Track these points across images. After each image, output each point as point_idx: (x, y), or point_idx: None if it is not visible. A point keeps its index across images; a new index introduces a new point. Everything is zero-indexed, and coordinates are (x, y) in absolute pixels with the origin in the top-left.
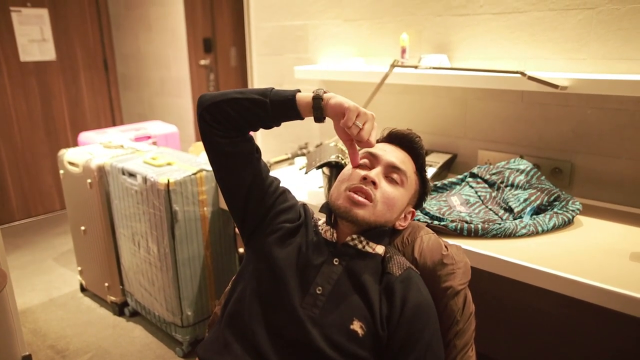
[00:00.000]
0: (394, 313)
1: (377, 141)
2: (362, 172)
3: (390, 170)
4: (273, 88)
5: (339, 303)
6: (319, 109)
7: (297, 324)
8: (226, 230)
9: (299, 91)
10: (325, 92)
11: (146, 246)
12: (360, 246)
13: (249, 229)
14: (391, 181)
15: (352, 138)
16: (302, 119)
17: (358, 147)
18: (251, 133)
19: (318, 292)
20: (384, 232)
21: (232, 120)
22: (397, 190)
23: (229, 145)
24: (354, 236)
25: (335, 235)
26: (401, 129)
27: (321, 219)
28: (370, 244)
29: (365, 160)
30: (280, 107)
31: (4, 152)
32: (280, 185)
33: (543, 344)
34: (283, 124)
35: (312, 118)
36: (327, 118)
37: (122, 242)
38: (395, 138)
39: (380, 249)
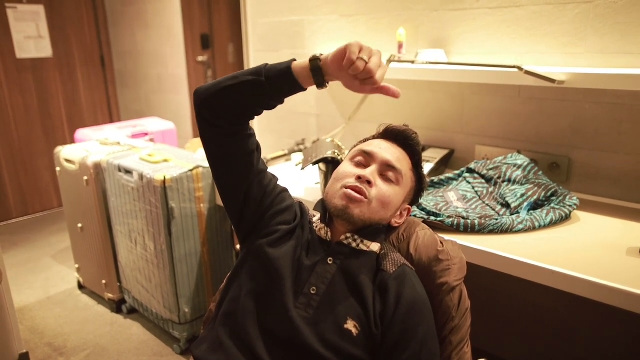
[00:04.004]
0: (388, 310)
1: (373, 137)
2: (357, 171)
3: (386, 169)
4: (267, 64)
5: (333, 303)
6: (317, 70)
7: (290, 325)
8: (223, 227)
9: (294, 60)
10: (322, 54)
11: (143, 243)
12: (354, 245)
13: (246, 228)
14: (386, 180)
15: (359, 77)
16: (304, 89)
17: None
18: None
19: (312, 292)
20: (379, 230)
21: (232, 111)
22: (393, 188)
23: (229, 144)
24: (348, 235)
25: (329, 234)
26: (397, 125)
27: (316, 215)
28: (365, 242)
29: (360, 158)
30: (278, 83)
31: (0, 149)
32: (278, 183)
33: (540, 340)
34: (280, 120)
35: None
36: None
37: (119, 239)
38: (391, 134)
39: (375, 247)
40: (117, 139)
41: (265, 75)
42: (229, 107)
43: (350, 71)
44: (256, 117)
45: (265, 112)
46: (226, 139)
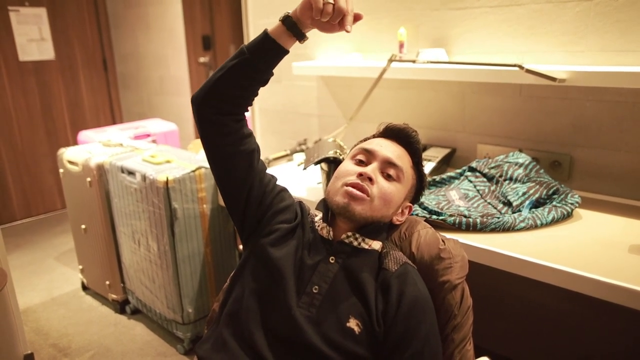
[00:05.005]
0: (390, 308)
1: (373, 136)
2: (358, 169)
3: (387, 166)
4: (243, 45)
5: (336, 301)
6: (293, 25)
7: (293, 324)
8: (226, 227)
9: (266, 29)
10: (289, 12)
11: (146, 244)
12: (355, 243)
13: (248, 229)
14: (387, 177)
15: (332, 21)
16: (287, 51)
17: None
18: (251, 128)
19: (315, 291)
20: (380, 228)
21: (232, 96)
22: (394, 185)
23: (230, 144)
24: (349, 233)
25: (331, 233)
26: (397, 124)
27: (318, 214)
28: (366, 240)
29: (361, 156)
30: (262, 52)
31: (4, 151)
32: (277, 183)
33: (542, 337)
34: (282, 121)
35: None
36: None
37: (122, 240)
38: (391, 133)
39: (376, 245)
40: (120, 141)
41: (248, 52)
42: (228, 95)
43: (322, 18)
44: (258, 118)
45: (267, 113)
46: (228, 139)
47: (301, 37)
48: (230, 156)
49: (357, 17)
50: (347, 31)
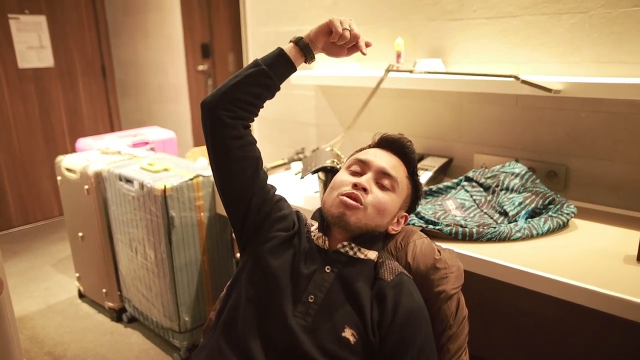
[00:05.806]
0: (386, 318)
1: (369, 146)
2: (353, 179)
3: (381, 176)
4: (257, 59)
5: (331, 311)
6: (306, 47)
7: (289, 333)
8: (223, 235)
9: (280, 48)
10: (300, 36)
11: (143, 252)
12: (351, 253)
13: (247, 236)
14: (382, 187)
15: (347, 45)
16: (295, 69)
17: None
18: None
19: (310, 300)
20: (376, 237)
21: (244, 102)
22: (388, 195)
23: (239, 148)
24: (345, 243)
25: (327, 242)
26: (392, 134)
27: (314, 224)
28: (362, 249)
29: (356, 167)
30: (276, 67)
31: (2, 158)
32: (276, 192)
33: (538, 348)
34: (280, 130)
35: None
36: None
37: (119, 248)
38: (386, 143)
39: (372, 255)
40: (118, 148)
41: (263, 64)
42: (241, 101)
43: (339, 42)
44: (256, 127)
45: (265, 121)
46: (237, 142)
47: (311, 58)
48: (238, 160)
49: (367, 44)
50: (364, 54)
